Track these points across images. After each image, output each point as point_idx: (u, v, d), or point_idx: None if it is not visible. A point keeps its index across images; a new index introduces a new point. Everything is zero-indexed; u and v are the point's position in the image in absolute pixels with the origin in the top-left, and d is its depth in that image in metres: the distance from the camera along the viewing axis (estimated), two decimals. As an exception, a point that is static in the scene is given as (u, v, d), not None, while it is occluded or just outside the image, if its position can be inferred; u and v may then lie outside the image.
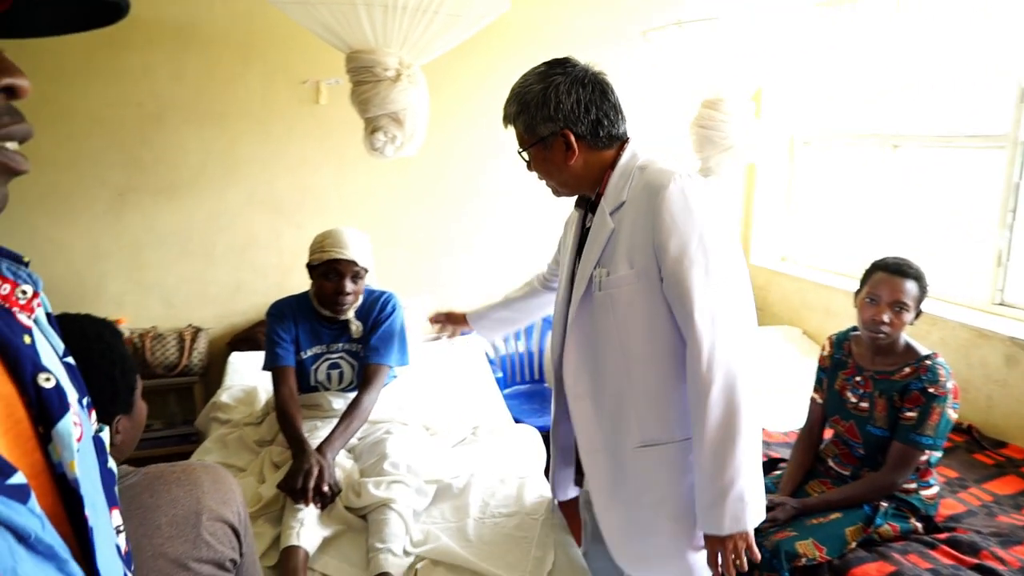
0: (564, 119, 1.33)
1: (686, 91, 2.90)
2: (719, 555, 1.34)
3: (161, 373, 2.90)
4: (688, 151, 2.98)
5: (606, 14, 3.29)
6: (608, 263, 1.35)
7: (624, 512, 1.44)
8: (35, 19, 0.59)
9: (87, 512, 0.55)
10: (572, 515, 1.87)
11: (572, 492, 1.75)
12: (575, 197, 1.53)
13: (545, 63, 1.38)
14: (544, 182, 1.46)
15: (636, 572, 1.50)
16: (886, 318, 1.84)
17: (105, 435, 0.67)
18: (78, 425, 0.59)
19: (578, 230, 1.51)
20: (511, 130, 1.43)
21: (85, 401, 0.65)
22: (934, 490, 1.92)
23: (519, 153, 1.43)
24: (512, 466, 2.06)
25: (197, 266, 3.11)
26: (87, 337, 0.97)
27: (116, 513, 0.65)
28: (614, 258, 1.35)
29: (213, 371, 3.06)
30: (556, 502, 1.82)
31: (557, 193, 1.46)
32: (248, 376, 2.63)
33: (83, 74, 2.82)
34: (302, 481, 1.78)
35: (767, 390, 2.93)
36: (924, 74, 2.95)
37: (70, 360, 0.66)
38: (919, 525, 1.89)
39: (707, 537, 1.34)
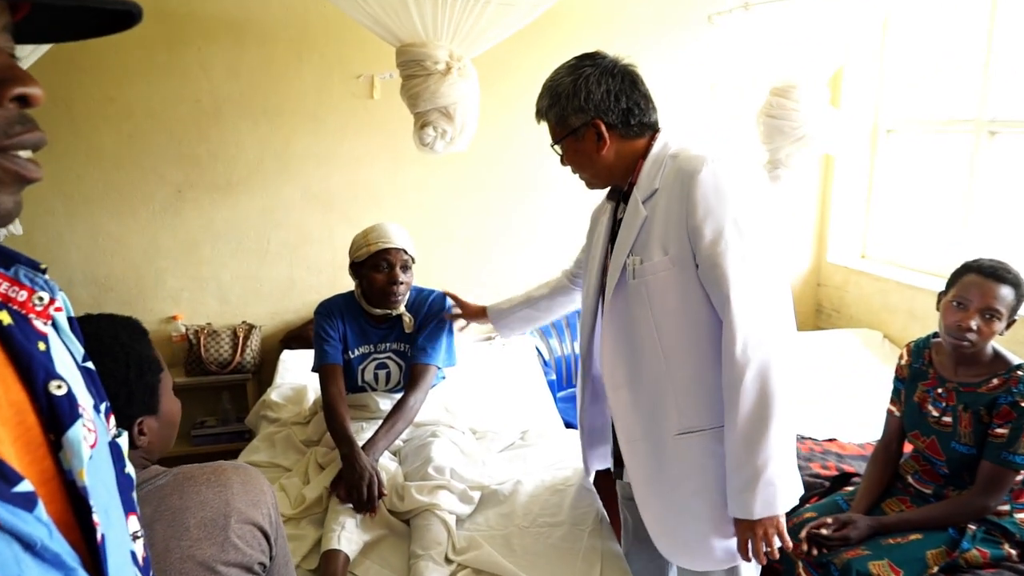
0: (595, 109, 1.38)
1: (754, 77, 2.80)
2: (749, 541, 1.37)
3: (215, 370, 3.01)
4: (755, 142, 2.88)
5: (666, -3, 3.22)
6: (641, 251, 1.39)
7: (665, 500, 1.47)
8: (50, 25, 0.61)
9: (97, 519, 0.56)
10: (604, 487, 1.94)
11: (601, 465, 1.85)
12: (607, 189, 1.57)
13: (575, 57, 1.43)
14: (577, 175, 1.51)
15: (678, 561, 1.53)
16: (974, 325, 1.72)
17: (123, 440, 0.69)
18: (92, 431, 0.60)
19: (609, 221, 1.55)
20: (544, 126, 1.50)
21: (103, 407, 0.67)
22: (1031, 514, 1.79)
23: (552, 147, 1.48)
24: (560, 473, 2.04)
25: (252, 263, 3.21)
26: (101, 340, 0.99)
27: (133, 519, 0.67)
28: (648, 246, 1.38)
29: (266, 368, 3.15)
30: (592, 479, 1.92)
31: (590, 185, 1.52)
32: (298, 375, 2.70)
33: (144, 72, 2.95)
34: (367, 492, 1.81)
35: (843, 397, 2.83)
36: (1025, 53, 2.76)
37: (89, 365, 0.67)
38: (1013, 552, 1.77)
39: (737, 522, 1.37)
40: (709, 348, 1.35)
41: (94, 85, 2.92)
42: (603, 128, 1.39)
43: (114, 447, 0.66)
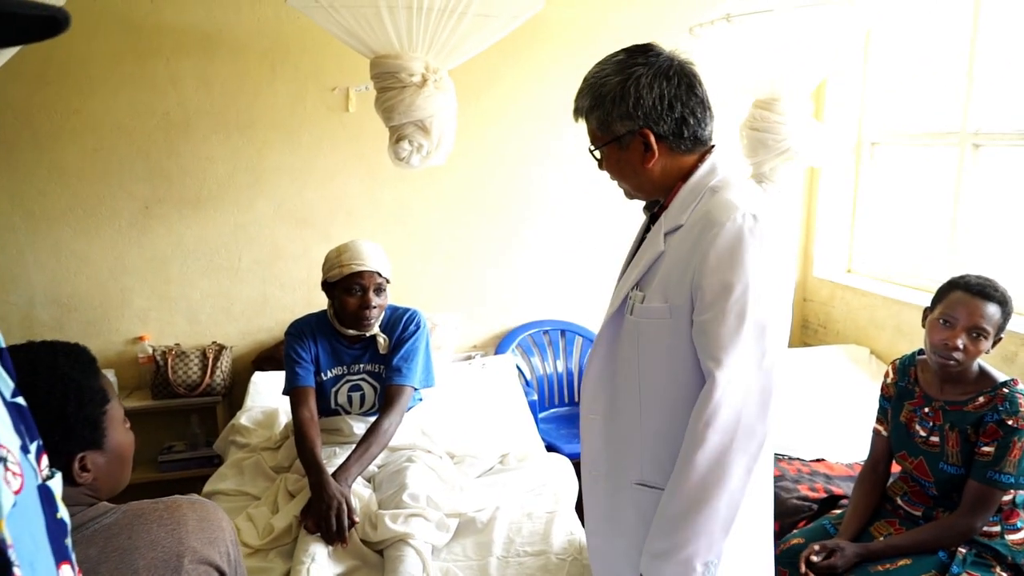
0: (644, 117, 1.25)
1: (737, 90, 2.81)
2: None
3: (183, 393, 2.95)
4: (739, 155, 2.89)
5: (649, 9, 3.24)
6: (646, 287, 1.30)
7: (612, 543, 1.42)
8: None
9: (19, 574, 0.53)
10: None
11: None
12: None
13: (625, 50, 1.29)
14: (616, 183, 1.39)
15: None
16: (960, 344, 1.72)
17: (55, 483, 0.66)
18: (18, 475, 0.57)
19: (638, 238, 1.45)
20: (582, 125, 1.35)
21: (34, 447, 0.64)
22: (1023, 534, 1.78)
23: (590, 151, 1.35)
24: (541, 500, 2.02)
25: (223, 281, 3.17)
26: (36, 370, 0.95)
27: (66, 569, 0.63)
28: (652, 284, 1.29)
29: (237, 391, 3.10)
30: None
31: (629, 196, 1.39)
32: (270, 398, 2.66)
33: (109, 84, 2.91)
34: (336, 523, 1.77)
35: (830, 416, 2.82)
36: (1010, 63, 2.79)
37: (20, 400, 0.64)
38: (1004, 575, 1.76)
39: None
40: (686, 411, 1.26)
41: (57, 98, 2.88)
42: (652, 139, 1.26)
43: (44, 491, 0.63)
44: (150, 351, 3.02)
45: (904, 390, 1.93)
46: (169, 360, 2.97)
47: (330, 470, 1.92)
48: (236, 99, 3.03)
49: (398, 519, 1.81)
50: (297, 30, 2.99)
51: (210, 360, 3.01)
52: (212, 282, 3.16)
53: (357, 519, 1.83)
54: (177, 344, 3.10)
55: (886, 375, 2.00)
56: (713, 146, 1.34)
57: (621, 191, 1.40)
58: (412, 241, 3.30)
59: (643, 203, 1.43)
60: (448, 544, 1.88)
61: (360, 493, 1.93)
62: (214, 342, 3.13)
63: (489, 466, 2.26)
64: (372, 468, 2.06)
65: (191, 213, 3.08)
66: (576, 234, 3.39)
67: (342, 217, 3.23)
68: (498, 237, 3.39)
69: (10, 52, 2.13)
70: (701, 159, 1.31)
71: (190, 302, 3.16)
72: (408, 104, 2.25)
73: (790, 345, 3.64)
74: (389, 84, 2.27)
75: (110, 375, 3.02)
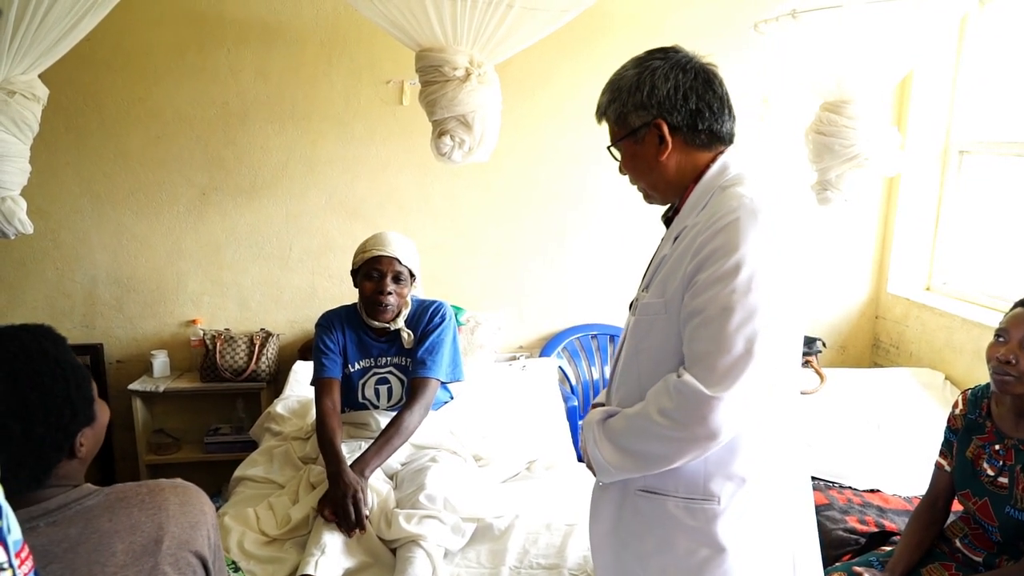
0: (658, 107, 1.27)
1: (805, 91, 2.68)
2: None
3: (229, 377, 3.04)
4: (804, 161, 2.76)
5: (713, 4, 3.13)
6: (650, 287, 1.31)
7: (615, 556, 1.37)
8: None
9: None
10: None
11: None
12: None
13: (647, 51, 1.34)
14: (635, 186, 1.40)
15: None
16: (1013, 359, 1.61)
17: None
18: None
19: None
20: (604, 127, 1.38)
21: None
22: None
23: (608, 149, 1.38)
24: (563, 511, 1.97)
25: (273, 269, 3.25)
26: (31, 357, 0.96)
27: None
28: (654, 284, 1.30)
29: (282, 378, 3.17)
30: None
31: (648, 198, 1.39)
32: (308, 387, 2.70)
33: (173, 74, 3.03)
34: (353, 510, 1.79)
35: (894, 444, 2.67)
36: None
37: None
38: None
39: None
40: None
41: (125, 86, 3.02)
42: (665, 130, 1.27)
43: None
44: (201, 334, 3.13)
45: (974, 423, 1.79)
46: (218, 344, 3.07)
47: (350, 462, 1.94)
48: (292, 90, 3.10)
49: (412, 519, 1.80)
50: (354, 23, 3.04)
51: (256, 347, 3.09)
52: (263, 270, 3.25)
53: (371, 507, 1.83)
54: (227, 329, 3.20)
55: (955, 405, 1.87)
56: (729, 144, 1.34)
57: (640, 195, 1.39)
58: (461, 237, 3.30)
59: (663, 209, 1.42)
60: (463, 549, 1.86)
61: (379, 489, 1.93)
62: (262, 329, 3.22)
63: (515, 472, 2.23)
64: (395, 465, 2.07)
65: (245, 201, 3.18)
66: (630, 237, 3.31)
67: (392, 210, 3.26)
68: (549, 237, 3.35)
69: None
70: (715, 159, 1.31)
71: (241, 288, 3.25)
72: (450, 98, 2.25)
73: (859, 365, 3.48)
74: (432, 78, 2.27)
75: (163, 356, 3.15)
